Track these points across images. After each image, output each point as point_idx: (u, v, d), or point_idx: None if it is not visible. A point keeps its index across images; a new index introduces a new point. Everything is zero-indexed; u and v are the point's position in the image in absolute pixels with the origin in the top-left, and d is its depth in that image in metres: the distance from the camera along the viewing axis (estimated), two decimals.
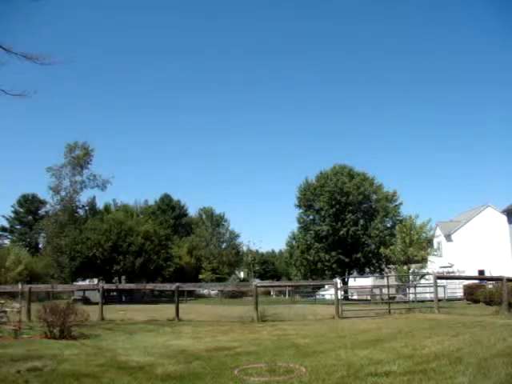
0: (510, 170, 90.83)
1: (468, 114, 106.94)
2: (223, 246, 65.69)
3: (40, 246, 60.02)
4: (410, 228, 31.25)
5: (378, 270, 42.90)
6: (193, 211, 71.75)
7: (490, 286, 23.36)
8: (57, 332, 9.86)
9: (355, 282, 47.71)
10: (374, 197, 42.95)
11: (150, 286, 28.12)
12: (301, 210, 44.88)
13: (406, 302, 22.82)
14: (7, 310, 12.54)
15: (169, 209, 67.23)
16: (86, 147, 45.20)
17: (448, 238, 42.73)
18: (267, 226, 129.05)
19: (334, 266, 40.85)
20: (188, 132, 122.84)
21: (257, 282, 31.64)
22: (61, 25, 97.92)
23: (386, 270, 41.56)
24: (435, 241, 42.61)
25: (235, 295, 41.39)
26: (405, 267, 31.13)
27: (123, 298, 38.22)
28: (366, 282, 46.65)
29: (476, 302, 23.39)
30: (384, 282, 40.34)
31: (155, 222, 47.94)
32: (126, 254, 38.07)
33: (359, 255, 40.74)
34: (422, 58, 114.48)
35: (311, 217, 44.42)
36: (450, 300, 27.22)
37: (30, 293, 16.85)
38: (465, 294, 27.79)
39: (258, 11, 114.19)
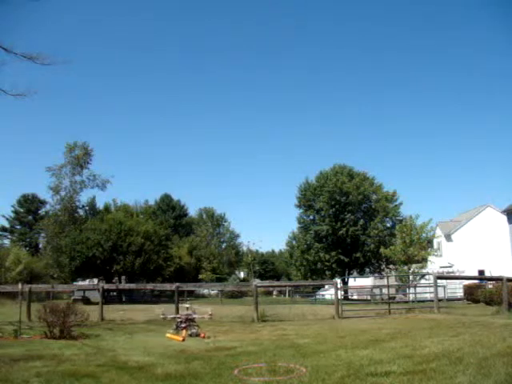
0: (510, 169, 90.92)
1: (468, 114, 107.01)
2: (223, 246, 65.71)
3: (40, 246, 59.91)
4: (411, 228, 31.25)
5: (377, 270, 42.94)
6: (193, 211, 71.75)
7: (490, 286, 23.34)
8: (57, 332, 9.84)
9: (355, 281, 47.72)
10: (374, 197, 42.97)
11: (150, 286, 28.14)
12: (301, 210, 45.00)
13: (406, 302, 22.83)
14: (195, 316, 10.75)
15: (169, 209, 67.15)
16: (85, 147, 45.19)
17: (448, 237, 42.70)
18: (267, 226, 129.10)
19: (334, 265, 40.89)
20: (188, 132, 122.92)
21: (257, 282, 31.58)
22: (60, 24, 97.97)
23: (386, 269, 41.59)
24: (435, 241, 42.60)
25: (235, 295, 41.34)
26: (405, 267, 31.13)
27: (123, 298, 38.20)
28: (366, 282, 46.66)
29: (476, 301, 23.38)
30: (384, 282, 40.38)
31: (155, 222, 47.91)
32: (126, 253, 38.03)
33: (359, 255, 40.76)
34: (422, 58, 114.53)
35: (311, 217, 44.51)
36: (450, 300, 27.20)
37: (30, 293, 16.84)
38: (465, 294, 27.77)
39: (257, 10, 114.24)
